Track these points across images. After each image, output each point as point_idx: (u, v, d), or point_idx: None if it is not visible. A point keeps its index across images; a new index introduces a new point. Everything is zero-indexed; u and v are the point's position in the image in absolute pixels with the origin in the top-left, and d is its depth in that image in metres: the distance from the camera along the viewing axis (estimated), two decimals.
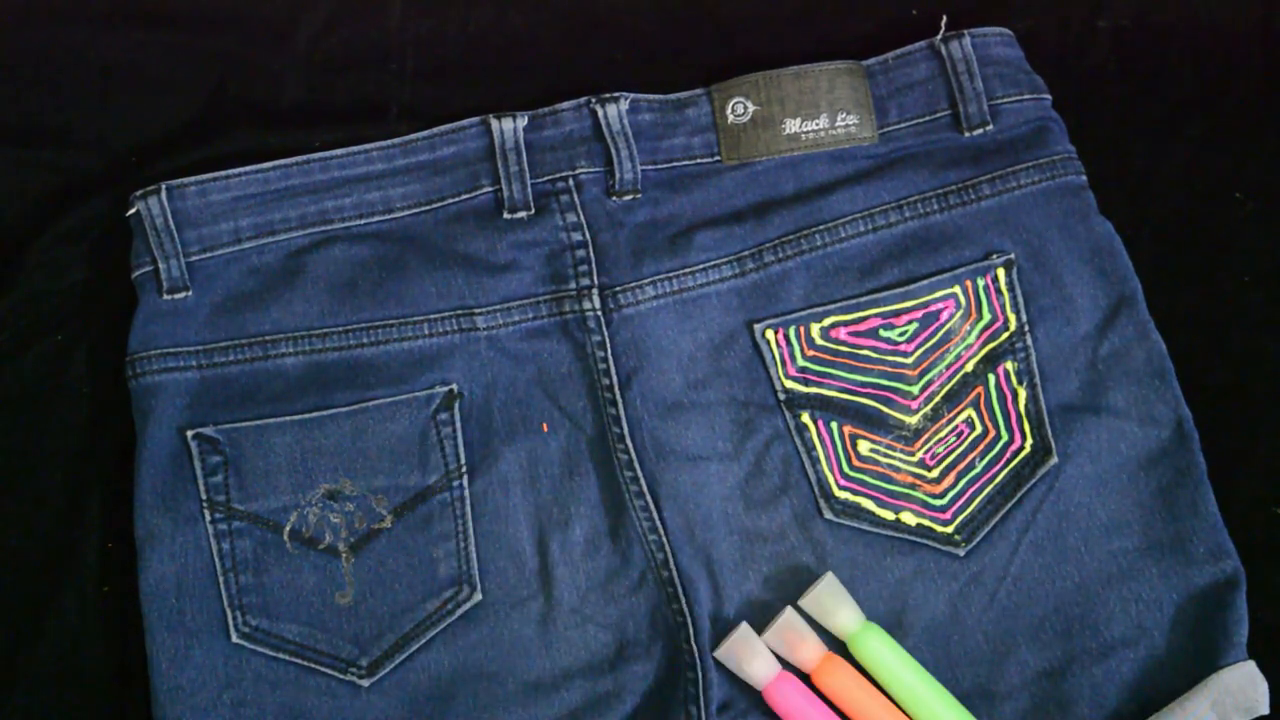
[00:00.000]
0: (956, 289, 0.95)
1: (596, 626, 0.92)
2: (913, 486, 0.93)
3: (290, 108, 1.03)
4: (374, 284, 0.95)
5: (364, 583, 0.92)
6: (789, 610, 0.90)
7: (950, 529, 0.92)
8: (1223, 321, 1.00)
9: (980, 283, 0.95)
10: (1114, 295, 0.95)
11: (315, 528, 0.93)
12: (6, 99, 1.03)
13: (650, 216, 0.97)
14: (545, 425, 0.94)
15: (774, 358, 0.95)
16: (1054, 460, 0.93)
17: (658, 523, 0.92)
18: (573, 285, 0.95)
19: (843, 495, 0.93)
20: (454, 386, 0.94)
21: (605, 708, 0.91)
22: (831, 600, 0.90)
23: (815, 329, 0.95)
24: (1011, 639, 0.91)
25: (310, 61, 1.04)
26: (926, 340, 0.95)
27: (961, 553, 0.92)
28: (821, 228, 0.96)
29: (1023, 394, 0.94)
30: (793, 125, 0.97)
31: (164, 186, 0.95)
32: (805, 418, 0.94)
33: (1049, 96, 0.99)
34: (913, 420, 0.94)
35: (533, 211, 0.96)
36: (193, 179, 0.96)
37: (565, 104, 0.97)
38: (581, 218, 0.96)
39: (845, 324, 0.95)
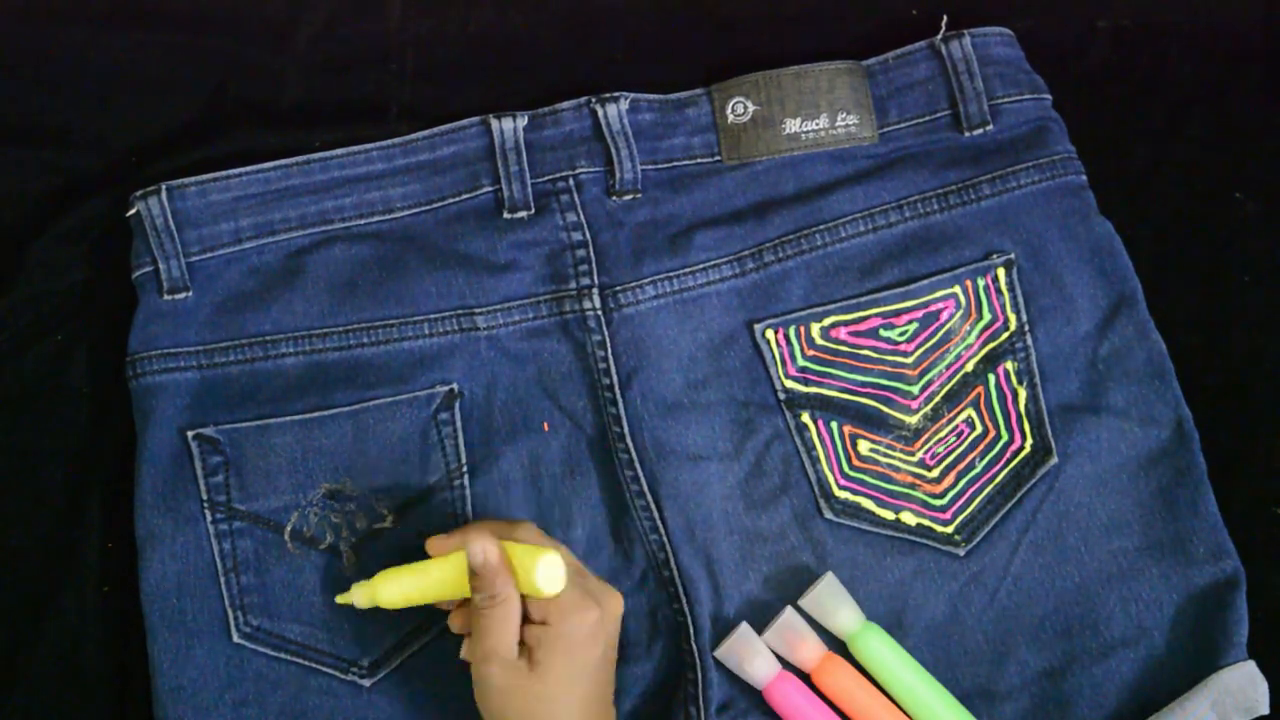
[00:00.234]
0: (956, 289, 0.95)
1: None
2: (913, 486, 0.93)
3: (290, 108, 1.03)
4: (374, 284, 0.95)
5: None
6: (789, 610, 0.90)
7: (950, 529, 0.92)
8: (1223, 321, 1.00)
9: (980, 282, 0.95)
10: (1114, 295, 0.95)
11: (316, 528, 0.93)
12: (6, 99, 1.03)
13: (650, 216, 0.97)
14: (546, 425, 0.94)
15: (774, 357, 0.95)
16: (1054, 460, 0.93)
17: (659, 522, 0.92)
18: (573, 285, 0.95)
19: (843, 495, 0.93)
20: (454, 386, 0.94)
21: None
22: (831, 600, 0.90)
23: (815, 329, 0.95)
24: (1011, 639, 0.91)
25: (310, 61, 1.03)
26: (927, 340, 0.95)
27: (961, 553, 0.92)
28: (822, 227, 0.96)
29: (1023, 394, 0.94)
30: (793, 125, 0.97)
31: (164, 187, 0.95)
32: (805, 417, 0.94)
33: (1049, 96, 0.99)
34: (913, 420, 0.94)
35: (533, 211, 0.96)
36: (193, 179, 0.96)
37: (565, 104, 0.97)
38: (582, 217, 0.96)
39: (845, 324, 0.95)
